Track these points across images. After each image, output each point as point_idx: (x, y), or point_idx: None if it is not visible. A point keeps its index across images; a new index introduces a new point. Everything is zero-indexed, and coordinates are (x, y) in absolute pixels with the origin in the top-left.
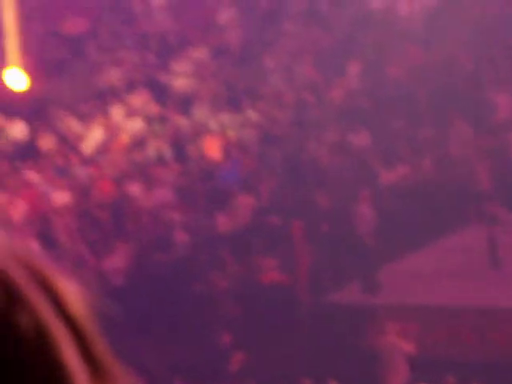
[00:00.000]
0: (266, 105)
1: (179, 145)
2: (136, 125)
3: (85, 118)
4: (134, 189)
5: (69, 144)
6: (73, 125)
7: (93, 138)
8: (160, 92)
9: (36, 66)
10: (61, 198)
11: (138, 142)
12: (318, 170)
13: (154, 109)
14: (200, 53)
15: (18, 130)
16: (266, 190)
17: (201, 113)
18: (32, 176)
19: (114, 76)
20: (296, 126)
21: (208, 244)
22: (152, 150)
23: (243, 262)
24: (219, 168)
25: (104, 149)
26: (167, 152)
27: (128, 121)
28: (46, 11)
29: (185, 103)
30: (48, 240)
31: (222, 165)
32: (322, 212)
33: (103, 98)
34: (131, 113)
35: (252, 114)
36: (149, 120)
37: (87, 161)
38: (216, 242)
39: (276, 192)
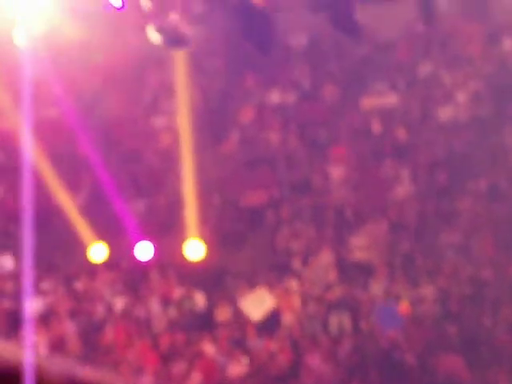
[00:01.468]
0: (443, 280)
1: (356, 318)
2: (314, 292)
3: (261, 289)
4: (312, 359)
5: (245, 316)
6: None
7: (266, 308)
8: (338, 265)
9: (214, 237)
10: (237, 369)
11: (314, 314)
12: (494, 347)
13: (331, 281)
14: (377, 227)
15: (195, 300)
16: (442, 364)
17: (377, 286)
18: (208, 347)
19: (290, 248)
20: (473, 302)
21: None
22: (333, 322)
23: None
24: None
25: (278, 320)
26: (347, 325)
27: (301, 291)
28: (224, 183)
29: (362, 276)
30: None
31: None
32: None
33: (280, 270)
34: (311, 285)
35: (428, 289)
36: (328, 294)
37: (263, 332)
38: None
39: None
